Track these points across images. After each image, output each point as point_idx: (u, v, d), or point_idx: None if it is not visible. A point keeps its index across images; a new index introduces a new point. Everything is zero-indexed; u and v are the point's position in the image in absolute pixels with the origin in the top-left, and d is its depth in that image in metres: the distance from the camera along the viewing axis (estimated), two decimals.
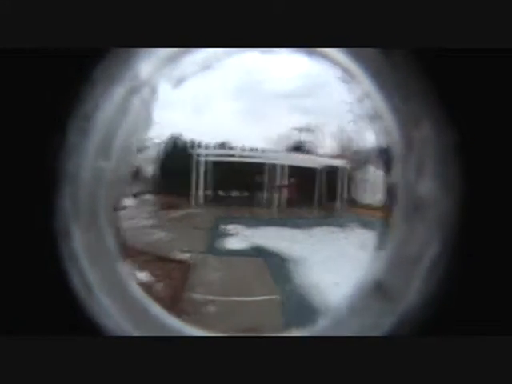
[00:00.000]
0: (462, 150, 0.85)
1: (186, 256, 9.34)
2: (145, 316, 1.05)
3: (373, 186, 21.77)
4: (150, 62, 0.95)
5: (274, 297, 7.58)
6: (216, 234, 12.90)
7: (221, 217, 15.80)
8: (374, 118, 0.99)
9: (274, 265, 9.55)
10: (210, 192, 21.99)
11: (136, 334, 0.97)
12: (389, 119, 0.95)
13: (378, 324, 0.95)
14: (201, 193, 20.67)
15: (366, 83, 0.96)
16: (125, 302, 1.02)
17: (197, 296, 7.18)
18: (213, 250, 10.84)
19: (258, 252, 10.83)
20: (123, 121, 0.99)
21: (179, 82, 1.02)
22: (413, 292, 0.91)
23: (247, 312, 6.77)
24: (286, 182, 19.58)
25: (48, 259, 0.89)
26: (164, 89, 1.02)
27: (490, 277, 0.88)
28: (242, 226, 14.21)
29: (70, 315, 0.92)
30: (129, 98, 0.97)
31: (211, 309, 6.68)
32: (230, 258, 10.24)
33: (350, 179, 23.17)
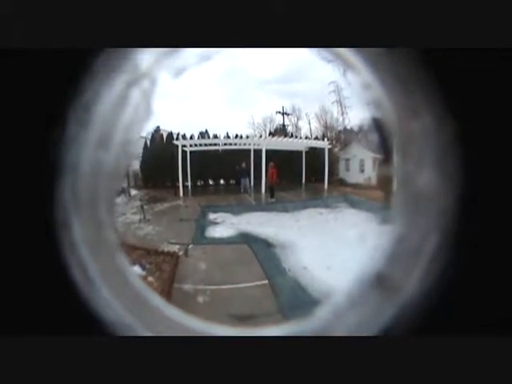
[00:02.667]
0: (462, 141, 0.86)
1: (174, 248, 9.36)
2: (145, 307, 1.05)
3: (360, 164, 21.94)
4: (149, 53, 0.94)
5: (263, 282, 7.63)
6: (202, 223, 12.87)
7: (207, 206, 15.76)
8: (371, 106, 0.98)
9: (261, 251, 9.58)
10: (196, 182, 21.98)
11: (136, 325, 0.98)
12: (387, 108, 0.95)
13: (377, 316, 0.95)
14: (187, 184, 20.64)
15: (365, 74, 0.95)
16: (125, 293, 1.02)
17: (187, 287, 7.21)
18: (199, 239, 10.84)
19: (244, 239, 10.86)
20: (123, 112, 0.98)
21: (179, 72, 1.00)
22: (413, 284, 0.92)
23: (239, 299, 6.83)
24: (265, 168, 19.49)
25: (48, 250, 0.91)
26: (163, 80, 1.01)
27: (491, 269, 0.89)
28: (228, 213, 14.21)
29: (70, 307, 0.93)
30: (128, 89, 0.96)
31: (202, 299, 6.69)
32: (216, 246, 10.27)
33: (336, 160, 23.33)
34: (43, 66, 0.86)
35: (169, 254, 8.86)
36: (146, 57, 0.94)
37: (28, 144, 0.88)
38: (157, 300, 1.08)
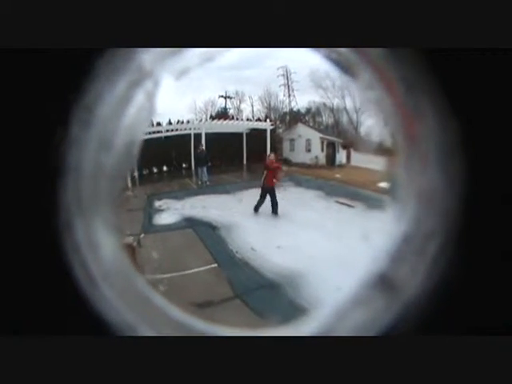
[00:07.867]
0: (466, 142, 0.86)
1: (129, 239, 9.25)
2: (148, 307, 1.06)
3: (306, 144, 22.04)
4: (152, 54, 0.94)
5: (212, 266, 7.63)
6: (149, 212, 12.62)
7: (152, 194, 15.34)
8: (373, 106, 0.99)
9: (207, 234, 9.50)
10: (142, 171, 21.41)
11: (139, 325, 0.98)
12: (390, 108, 0.96)
13: (381, 316, 0.95)
14: (134, 174, 20.09)
15: (367, 75, 0.95)
16: (128, 293, 1.02)
17: (147, 277, 7.11)
18: (148, 228, 10.69)
19: (189, 223, 10.79)
20: (125, 113, 0.98)
21: (182, 73, 1.01)
22: (416, 284, 0.92)
23: (193, 286, 6.83)
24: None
25: (51, 251, 0.90)
26: (166, 81, 1.01)
27: (494, 270, 0.89)
28: (172, 199, 13.96)
29: (73, 308, 0.93)
30: (131, 90, 0.96)
31: (162, 288, 6.61)
32: (164, 234, 10.12)
33: (280, 140, 23.34)
34: (45, 67, 0.86)
35: (126, 245, 8.75)
36: (149, 57, 0.94)
37: (30, 145, 0.87)
38: (160, 300, 1.09)
